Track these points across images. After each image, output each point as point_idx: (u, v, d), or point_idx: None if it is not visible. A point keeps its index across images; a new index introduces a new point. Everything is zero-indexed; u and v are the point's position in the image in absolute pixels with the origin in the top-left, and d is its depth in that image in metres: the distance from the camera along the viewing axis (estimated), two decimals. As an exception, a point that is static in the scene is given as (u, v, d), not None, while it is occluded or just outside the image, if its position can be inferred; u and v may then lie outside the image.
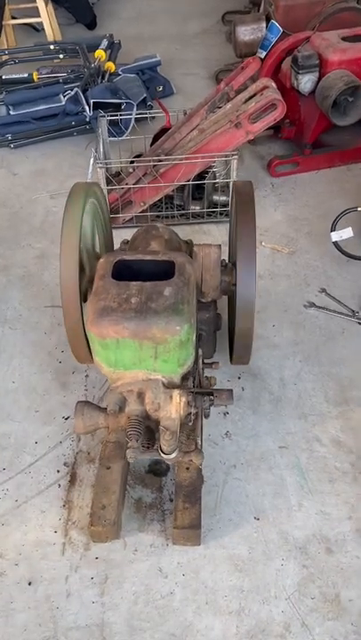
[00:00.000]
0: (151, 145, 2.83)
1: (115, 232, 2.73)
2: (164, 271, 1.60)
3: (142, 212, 2.74)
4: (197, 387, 1.68)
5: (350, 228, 2.48)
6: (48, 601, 1.61)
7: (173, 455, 1.55)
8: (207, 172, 2.67)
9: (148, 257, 1.62)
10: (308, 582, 1.63)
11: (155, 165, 2.60)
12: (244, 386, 2.11)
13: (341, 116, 2.83)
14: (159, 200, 2.75)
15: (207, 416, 1.68)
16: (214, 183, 2.75)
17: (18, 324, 2.39)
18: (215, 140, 2.58)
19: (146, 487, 1.85)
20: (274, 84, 2.54)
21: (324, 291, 2.46)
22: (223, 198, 2.79)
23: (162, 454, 1.54)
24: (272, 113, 2.50)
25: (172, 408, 1.55)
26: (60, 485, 1.86)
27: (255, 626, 1.55)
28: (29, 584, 1.64)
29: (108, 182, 2.63)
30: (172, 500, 1.80)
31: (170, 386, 1.59)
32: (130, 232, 2.73)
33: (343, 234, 2.47)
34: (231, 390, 1.65)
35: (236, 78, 2.67)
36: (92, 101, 3.10)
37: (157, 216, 2.82)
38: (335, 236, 2.47)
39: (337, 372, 2.16)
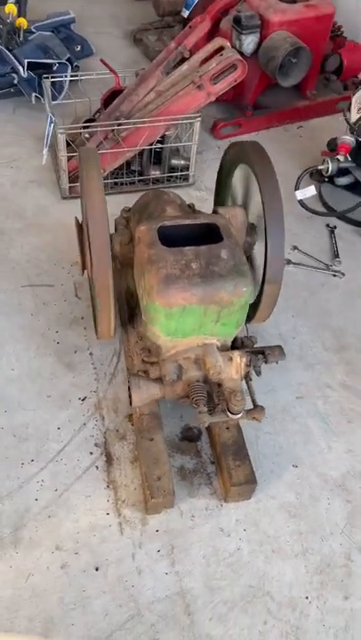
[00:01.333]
0: (102, 108, 2.70)
1: (73, 203, 2.62)
2: (201, 235, 1.59)
3: (102, 179, 2.63)
4: (246, 347, 1.71)
5: (313, 187, 2.60)
6: (121, 582, 1.59)
7: (240, 414, 1.58)
8: (163, 137, 2.63)
9: (189, 221, 1.60)
10: (355, 514, 1.77)
11: (114, 129, 2.50)
12: (252, 345, 2.17)
13: (285, 77, 2.91)
14: (118, 167, 2.66)
15: (259, 373, 1.72)
16: (171, 147, 2.71)
17: (-2, 309, 2.22)
18: (176, 102, 2.54)
19: (184, 454, 1.86)
20: (228, 44, 2.54)
21: (296, 248, 2.58)
22: (182, 162, 2.77)
23: (229, 414, 1.57)
24: (233, 73, 2.51)
25: (233, 369, 1.57)
26: (97, 467, 1.80)
27: (321, 562, 1.67)
28: (97, 569, 1.60)
29: (70, 149, 2.49)
30: (212, 463, 1.84)
31: (223, 349, 1.60)
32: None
33: (307, 192, 2.58)
34: (281, 346, 1.70)
35: (189, 38, 2.62)
36: (25, 62, 2.85)
37: (115, 183, 2.73)
38: (300, 195, 2.58)
39: (328, 323, 2.31)
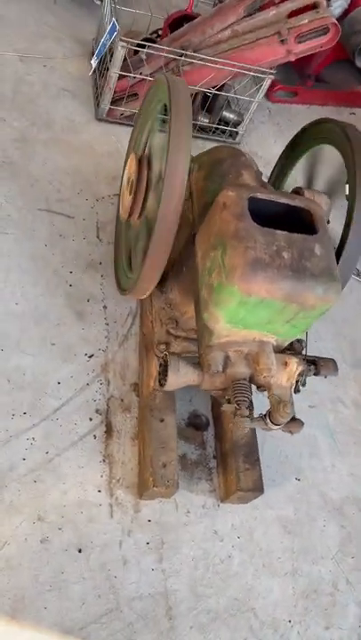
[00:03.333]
0: (164, 30, 2.38)
1: (108, 127, 2.33)
2: (288, 220, 1.39)
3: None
4: (294, 352, 1.55)
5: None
6: (104, 569, 1.44)
7: (281, 425, 1.43)
8: (223, 84, 2.35)
9: (284, 199, 1.39)
10: (347, 542, 1.71)
11: (179, 59, 2.20)
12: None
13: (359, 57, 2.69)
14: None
15: (304, 384, 1.58)
16: (227, 98, 2.44)
17: (8, 228, 1.93)
18: (252, 50, 2.26)
19: (188, 442, 1.72)
20: (325, 3, 2.27)
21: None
22: (234, 117, 2.51)
23: (270, 424, 1.42)
24: (320, 37, 2.26)
25: (285, 376, 1.42)
26: (95, 436, 1.62)
27: (308, 585, 1.60)
28: (79, 551, 1.45)
29: (124, 66, 2.17)
30: (215, 458, 1.71)
31: (277, 350, 1.44)
32: (121, 130, 2.34)
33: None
34: (334, 361, 1.56)
35: (284, -20, 2.32)
36: None
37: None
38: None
39: (349, 333, 2.19)
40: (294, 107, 2.94)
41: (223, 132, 2.52)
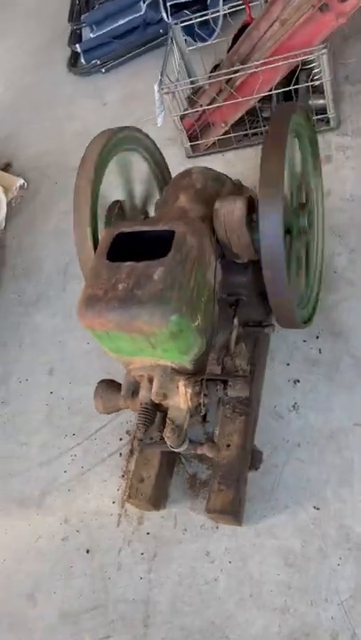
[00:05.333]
0: (229, 49, 2.40)
1: (199, 160, 2.48)
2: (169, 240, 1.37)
3: (225, 133, 2.40)
4: (225, 367, 1.48)
5: None
6: (102, 570, 1.68)
7: (182, 448, 1.42)
8: (295, 74, 2.19)
9: (147, 227, 1.40)
10: (365, 589, 1.43)
11: (229, 79, 2.21)
12: (321, 347, 1.82)
13: None
14: (245, 115, 2.37)
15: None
16: (308, 85, 2.26)
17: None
18: (298, 33, 2.08)
19: (202, 462, 1.76)
20: None
21: None
22: (320, 102, 2.29)
23: (170, 446, 1.42)
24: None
25: (180, 399, 1.39)
26: (120, 454, 1.86)
27: (299, 628, 1.43)
28: (87, 552, 1.72)
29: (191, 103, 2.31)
30: (227, 479, 1.69)
31: (182, 371, 1.41)
32: (213, 160, 2.45)
33: None
34: (247, 378, 1.42)
35: None
36: (169, 4, 2.69)
37: (245, 135, 2.45)
38: None
39: None
40: None
41: (318, 120, 2.33)
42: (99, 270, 1.36)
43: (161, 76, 2.30)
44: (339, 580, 1.46)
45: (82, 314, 1.33)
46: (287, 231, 1.50)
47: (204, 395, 1.39)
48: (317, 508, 1.57)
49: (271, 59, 2.11)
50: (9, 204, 2.74)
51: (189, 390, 1.37)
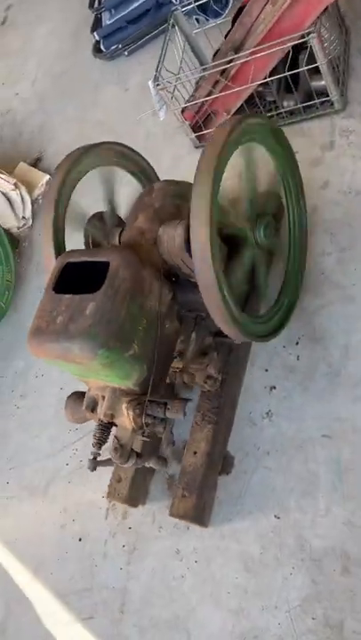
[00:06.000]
0: (227, 33, 2.30)
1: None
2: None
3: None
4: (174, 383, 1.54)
5: None
6: (90, 558, 1.86)
7: (128, 464, 1.52)
8: (292, 56, 2.08)
9: (89, 258, 1.47)
10: (313, 600, 1.49)
11: (224, 70, 2.15)
12: (300, 354, 1.81)
13: None
14: (250, 97, 2.28)
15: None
16: (309, 69, 2.13)
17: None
18: (287, 16, 1.96)
19: (180, 464, 1.85)
20: None
21: None
22: (320, 83, 2.16)
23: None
24: None
25: (125, 420, 1.49)
26: (114, 451, 2.00)
27: (250, 630, 1.53)
28: (80, 540, 1.91)
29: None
30: (202, 481, 1.79)
31: (130, 392, 1.50)
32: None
33: None
34: (185, 401, 1.47)
35: None
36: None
37: (251, 122, 2.37)
38: None
39: None
40: None
41: (315, 106, 2.21)
42: (45, 301, 1.46)
43: (156, 71, 2.27)
44: (290, 588, 1.53)
45: (30, 344, 1.45)
46: (235, 243, 1.50)
47: (147, 415, 1.47)
48: (278, 517, 1.62)
49: (259, 47, 2.01)
50: (35, 200, 2.89)
51: (131, 412, 1.46)
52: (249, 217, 1.59)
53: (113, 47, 3.05)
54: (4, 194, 2.79)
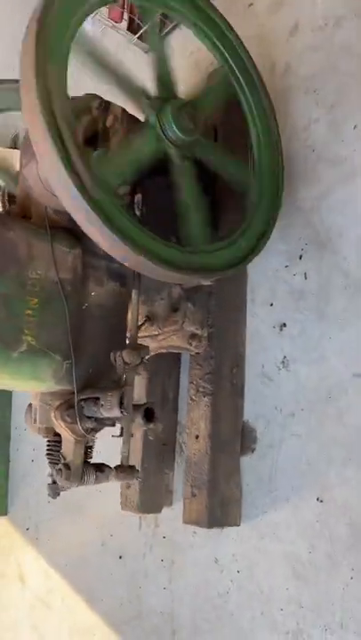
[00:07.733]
0: None
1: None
2: None
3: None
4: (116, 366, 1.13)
5: None
6: (134, 578, 1.57)
7: (88, 484, 1.16)
8: None
9: None
10: (387, 612, 1.03)
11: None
12: (307, 270, 1.31)
13: None
14: None
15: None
16: None
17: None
18: None
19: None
20: None
21: None
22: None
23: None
24: None
25: (62, 431, 1.13)
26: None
27: (315, 659, 1.12)
28: (120, 558, 1.63)
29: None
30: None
31: (63, 393, 1.14)
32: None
33: None
34: (119, 390, 1.06)
35: None
36: None
37: None
38: None
39: None
40: None
41: None
42: None
43: None
44: (353, 599, 1.08)
45: None
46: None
47: (87, 418, 1.10)
48: (321, 501, 1.17)
49: None
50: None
51: (61, 422, 1.10)
52: (156, 99, 1.12)
53: None
54: None
